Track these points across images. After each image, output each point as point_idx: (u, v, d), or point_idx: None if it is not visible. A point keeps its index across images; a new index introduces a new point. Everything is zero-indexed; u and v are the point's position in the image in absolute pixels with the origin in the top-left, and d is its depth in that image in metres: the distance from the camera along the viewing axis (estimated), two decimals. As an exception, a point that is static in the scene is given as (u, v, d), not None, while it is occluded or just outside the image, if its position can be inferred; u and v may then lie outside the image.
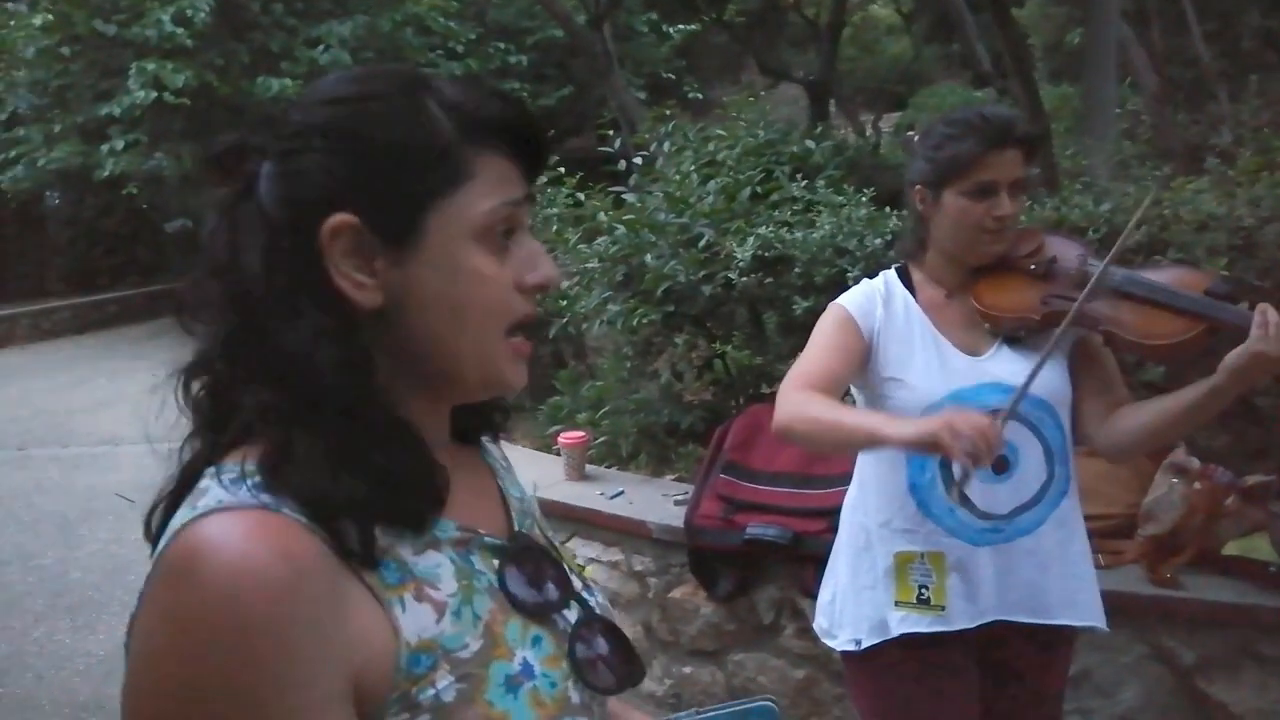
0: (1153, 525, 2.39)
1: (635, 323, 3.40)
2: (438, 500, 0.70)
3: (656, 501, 3.10)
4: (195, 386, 0.70)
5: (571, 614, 0.78)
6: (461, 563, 0.71)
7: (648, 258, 3.35)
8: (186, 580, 0.59)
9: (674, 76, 12.67)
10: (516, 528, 0.81)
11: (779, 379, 3.34)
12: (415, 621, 0.65)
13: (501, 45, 11.30)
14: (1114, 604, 2.28)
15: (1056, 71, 13.08)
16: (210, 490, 0.64)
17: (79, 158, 9.26)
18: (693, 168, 3.84)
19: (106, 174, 9.14)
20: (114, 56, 9.18)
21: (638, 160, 4.17)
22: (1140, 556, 2.39)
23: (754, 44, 9.60)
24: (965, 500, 1.40)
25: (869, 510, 1.70)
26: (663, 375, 3.78)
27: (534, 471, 3.17)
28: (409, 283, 0.68)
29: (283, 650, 0.59)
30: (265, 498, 0.63)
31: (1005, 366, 1.62)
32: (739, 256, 3.02)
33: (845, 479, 1.83)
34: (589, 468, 3.44)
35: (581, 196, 3.93)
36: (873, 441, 1.47)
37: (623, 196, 3.89)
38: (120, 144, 9.02)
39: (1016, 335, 1.65)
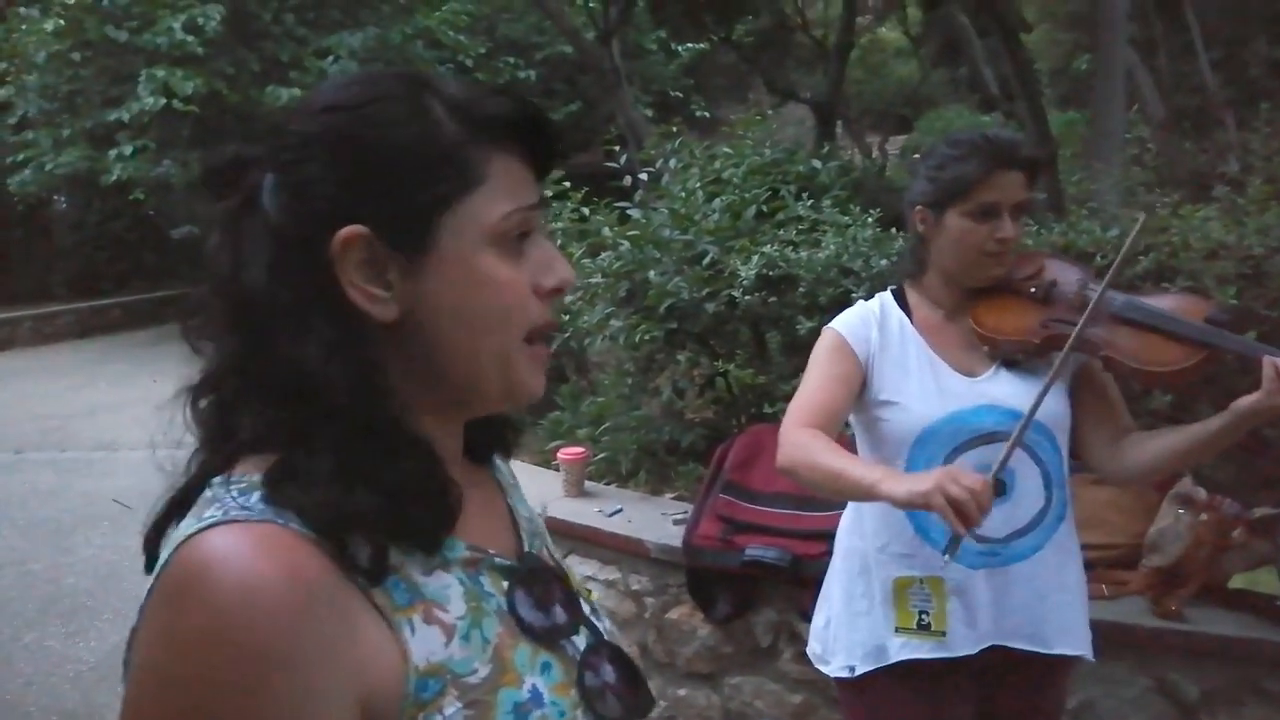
0: (1157, 556, 2.35)
1: (637, 339, 3.38)
2: (450, 518, 0.67)
3: (655, 520, 3.07)
4: (202, 402, 0.68)
5: (580, 640, 0.76)
6: (471, 584, 0.69)
7: (651, 274, 3.33)
8: (190, 597, 0.57)
9: (682, 95, 12.72)
10: (526, 548, 0.79)
11: (781, 398, 3.33)
12: (424, 645, 0.63)
13: (511, 60, 11.36)
14: (1117, 636, 2.28)
15: (1064, 97, 13.14)
16: (215, 501, 0.62)
17: (86, 163, 9.31)
18: (698, 185, 3.83)
19: (113, 179, 9.18)
20: (124, 63, 9.23)
21: (643, 176, 4.16)
22: (1144, 588, 2.35)
23: (762, 64, 9.63)
24: (955, 539, 1.39)
25: (865, 534, 1.68)
26: (664, 393, 3.75)
27: (533, 487, 3.13)
28: (424, 293, 0.66)
29: (291, 675, 0.56)
30: (270, 511, 0.61)
31: (1002, 389, 1.60)
32: (743, 275, 3.01)
33: (845, 502, 1.81)
34: (588, 484, 3.41)
35: (586, 211, 3.92)
36: (870, 496, 1.45)
37: (628, 212, 3.88)
38: (128, 150, 9.06)
39: (1014, 358, 1.63)
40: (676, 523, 2.98)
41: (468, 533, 0.70)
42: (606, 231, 3.61)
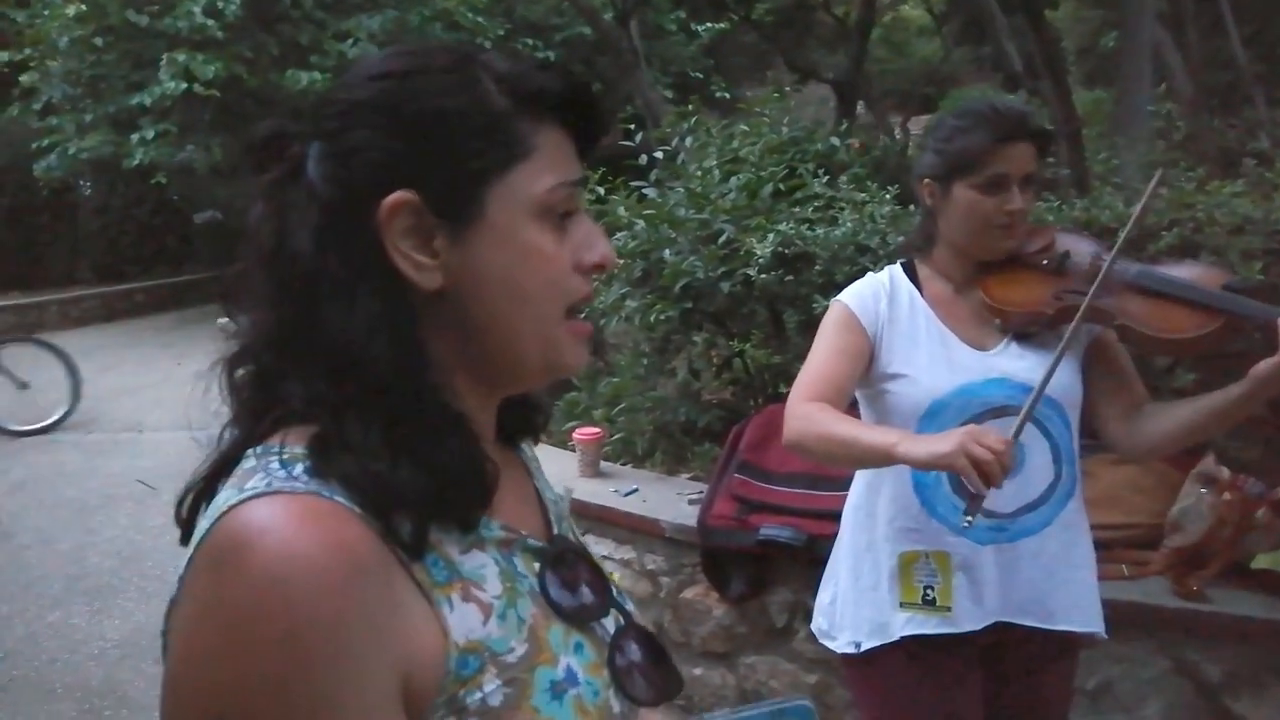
0: (1179, 536, 2.32)
1: (653, 319, 3.36)
2: (487, 496, 0.67)
3: (670, 500, 3.06)
4: (238, 374, 0.68)
5: (610, 622, 0.76)
6: (505, 564, 0.68)
7: (666, 253, 3.31)
8: (234, 568, 0.56)
9: (702, 75, 12.63)
10: (556, 531, 0.79)
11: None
12: (463, 622, 0.63)
13: (529, 41, 11.32)
14: (1138, 616, 2.25)
15: (1090, 75, 12.93)
16: (256, 473, 0.61)
17: (110, 147, 9.38)
18: (715, 164, 3.79)
19: (136, 163, 9.24)
20: (146, 47, 9.27)
21: (658, 155, 4.13)
22: (1166, 568, 2.32)
23: (782, 43, 9.54)
24: (976, 497, 1.37)
25: (872, 509, 1.67)
26: (680, 373, 3.73)
27: (549, 467, 3.12)
28: (469, 262, 0.66)
29: (338, 648, 0.55)
30: (315, 483, 0.60)
31: (1014, 362, 1.58)
32: (759, 253, 2.98)
33: (857, 481, 1.79)
34: (604, 464, 3.41)
35: (602, 191, 3.89)
36: (888, 459, 1.43)
37: (644, 192, 3.85)
38: (150, 134, 9.12)
39: (1027, 331, 1.61)
40: (691, 503, 2.97)
41: (500, 513, 0.70)
42: (622, 211, 3.59)
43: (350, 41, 9.41)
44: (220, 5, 8.87)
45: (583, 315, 0.73)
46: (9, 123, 10.72)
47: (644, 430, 3.64)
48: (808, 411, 1.54)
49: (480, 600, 0.64)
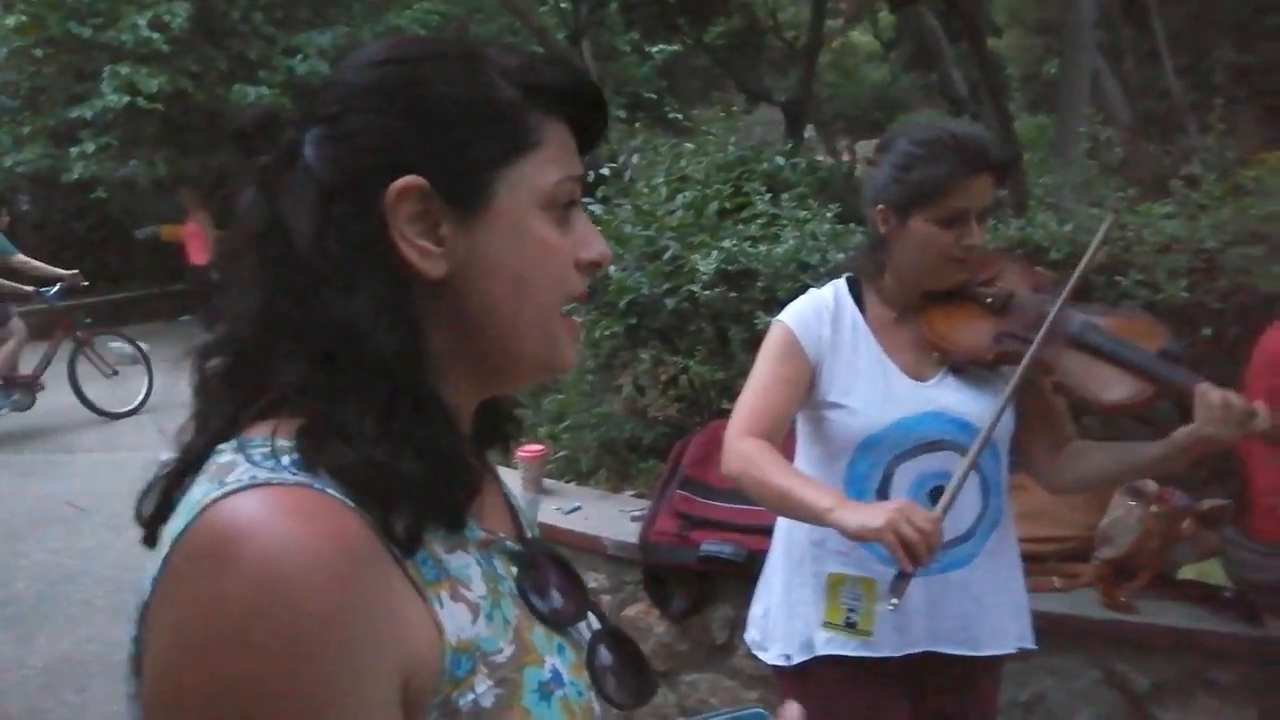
0: (1109, 548, 2.36)
1: (598, 335, 3.36)
2: (473, 495, 0.66)
3: (613, 518, 3.04)
4: (211, 364, 0.65)
5: (587, 625, 0.76)
6: (486, 566, 0.67)
7: (612, 270, 3.31)
8: (225, 564, 0.53)
9: (655, 96, 12.72)
10: (529, 535, 0.79)
11: (742, 395, 3.32)
12: (454, 621, 0.60)
13: (482, 61, 11.31)
14: (1069, 628, 2.28)
15: (1034, 102, 13.28)
16: (238, 465, 0.58)
17: (48, 160, 9.17)
18: (662, 181, 3.82)
19: (75, 177, 9.06)
20: (88, 60, 9.12)
21: (604, 171, 4.14)
22: (1096, 580, 2.36)
23: (734, 66, 9.65)
24: (903, 575, 1.38)
25: (805, 527, 1.66)
26: (625, 390, 3.73)
27: (489, 484, 3.11)
28: (475, 251, 0.65)
29: (341, 645, 0.53)
30: (303, 475, 0.57)
31: (950, 395, 1.58)
32: (703, 270, 2.99)
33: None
34: (547, 482, 3.38)
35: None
36: (819, 522, 1.43)
37: (591, 209, 3.86)
38: (90, 147, 8.94)
39: (964, 367, 1.61)
40: (634, 520, 2.96)
41: (478, 515, 0.69)
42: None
43: (299, 57, 9.34)
44: (166, 18, 8.75)
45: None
46: (-56, 135, 10.45)
47: (588, 447, 3.63)
48: (749, 453, 1.52)
49: (468, 600, 0.63)
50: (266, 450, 0.59)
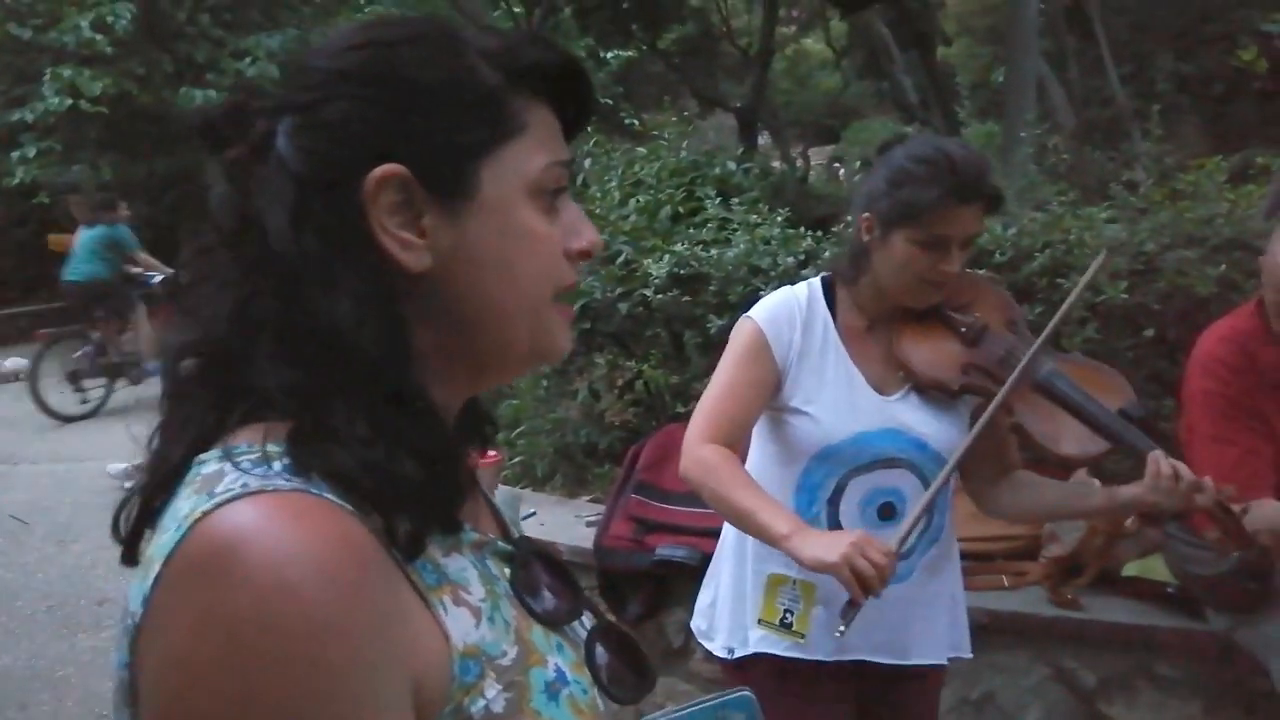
0: (1055, 546, 2.40)
1: (551, 340, 3.35)
2: (465, 496, 0.63)
3: (569, 523, 3.03)
4: (184, 366, 0.62)
5: (583, 622, 0.74)
6: (481, 568, 0.64)
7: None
8: (226, 577, 0.50)
9: (611, 102, 12.72)
10: (515, 534, 0.77)
11: (696, 398, 3.32)
12: (458, 626, 0.58)
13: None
14: (1017, 626, 2.31)
15: (983, 109, 13.51)
16: (226, 474, 0.55)
17: (-12, 165, 8.93)
18: (615, 185, 3.82)
19: (16, 182, 8.82)
20: (29, 62, 8.89)
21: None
22: (1043, 578, 2.39)
23: (689, 72, 9.69)
24: (853, 604, 1.40)
25: None
26: (580, 394, 3.72)
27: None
28: (460, 243, 0.62)
29: (356, 656, 0.50)
30: (297, 480, 0.54)
31: (911, 414, 1.58)
32: (654, 273, 3.00)
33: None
34: (502, 488, 3.35)
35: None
36: (774, 545, 1.44)
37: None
38: (31, 151, 8.71)
39: (926, 390, 1.61)
40: (589, 525, 2.95)
41: (468, 517, 0.67)
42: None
43: (248, 60, 9.18)
44: (110, 20, 8.56)
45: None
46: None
47: (544, 453, 3.61)
48: (710, 462, 1.51)
49: (469, 604, 0.60)
50: (255, 456, 0.56)
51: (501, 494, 3.17)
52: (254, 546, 0.51)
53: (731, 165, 4.16)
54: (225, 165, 0.62)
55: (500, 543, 0.69)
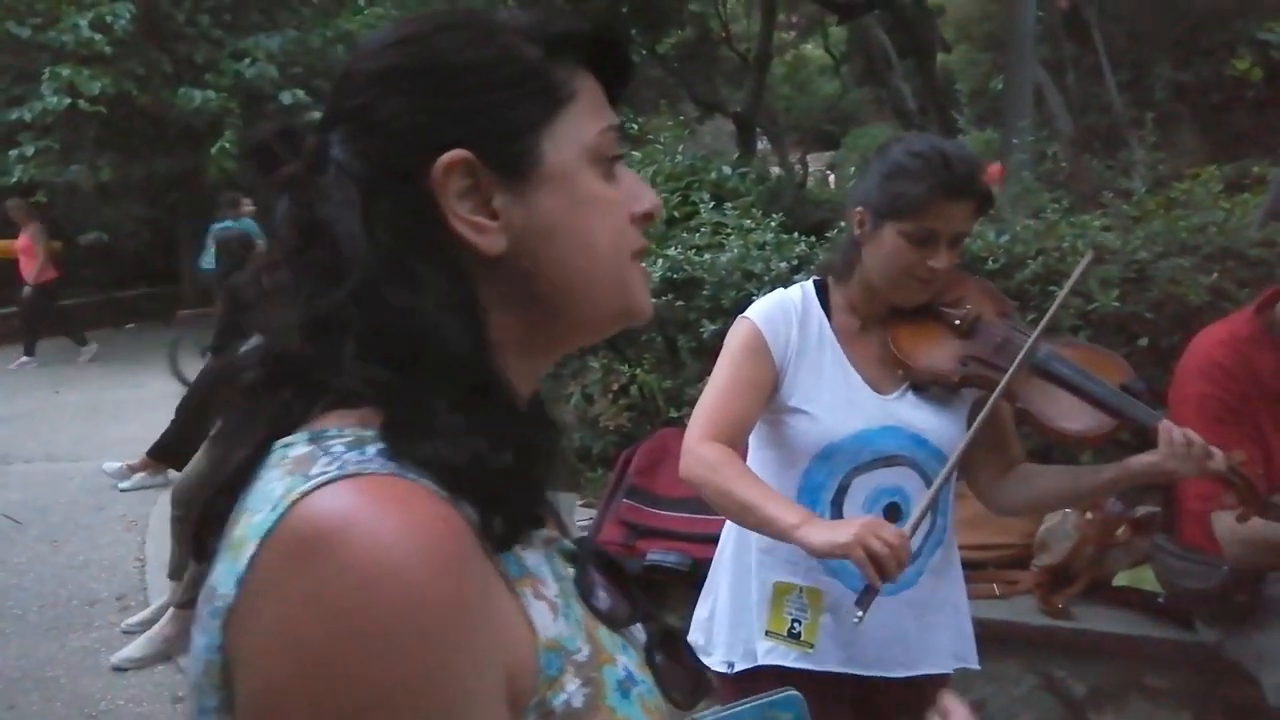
0: (1047, 555, 2.40)
1: (545, 344, 3.34)
2: (546, 490, 0.64)
3: (560, 527, 3.02)
4: (246, 377, 0.62)
5: (642, 624, 0.73)
6: (551, 564, 0.64)
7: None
8: (330, 558, 0.49)
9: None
10: (574, 533, 0.75)
11: (691, 403, 3.31)
12: (541, 618, 0.58)
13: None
14: (1007, 634, 2.30)
15: (982, 116, 13.53)
16: (317, 458, 0.54)
17: (-15, 164, 8.93)
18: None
19: (14, 181, 8.81)
20: (28, 61, 8.89)
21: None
22: (1034, 586, 2.39)
23: (687, 76, 9.70)
24: (870, 590, 1.37)
25: (754, 534, 1.65)
26: (574, 398, 3.71)
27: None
28: (532, 218, 0.62)
29: (459, 637, 0.50)
30: (394, 466, 0.54)
31: (910, 411, 1.57)
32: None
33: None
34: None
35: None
36: (784, 538, 1.41)
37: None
38: (30, 150, 8.71)
39: (926, 385, 1.60)
40: (580, 528, 2.94)
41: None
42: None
43: (247, 61, 9.19)
44: (109, 20, 8.57)
45: None
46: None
47: (537, 456, 3.60)
48: (711, 459, 1.48)
49: (547, 598, 0.60)
50: (349, 440, 0.56)
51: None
52: (359, 529, 0.50)
53: (727, 170, 4.15)
54: (281, 183, 0.63)
55: (566, 541, 0.69)
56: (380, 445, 0.55)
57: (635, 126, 12.13)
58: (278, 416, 0.60)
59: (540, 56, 0.63)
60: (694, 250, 3.13)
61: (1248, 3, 9.80)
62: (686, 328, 3.20)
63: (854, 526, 1.32)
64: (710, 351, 3.04)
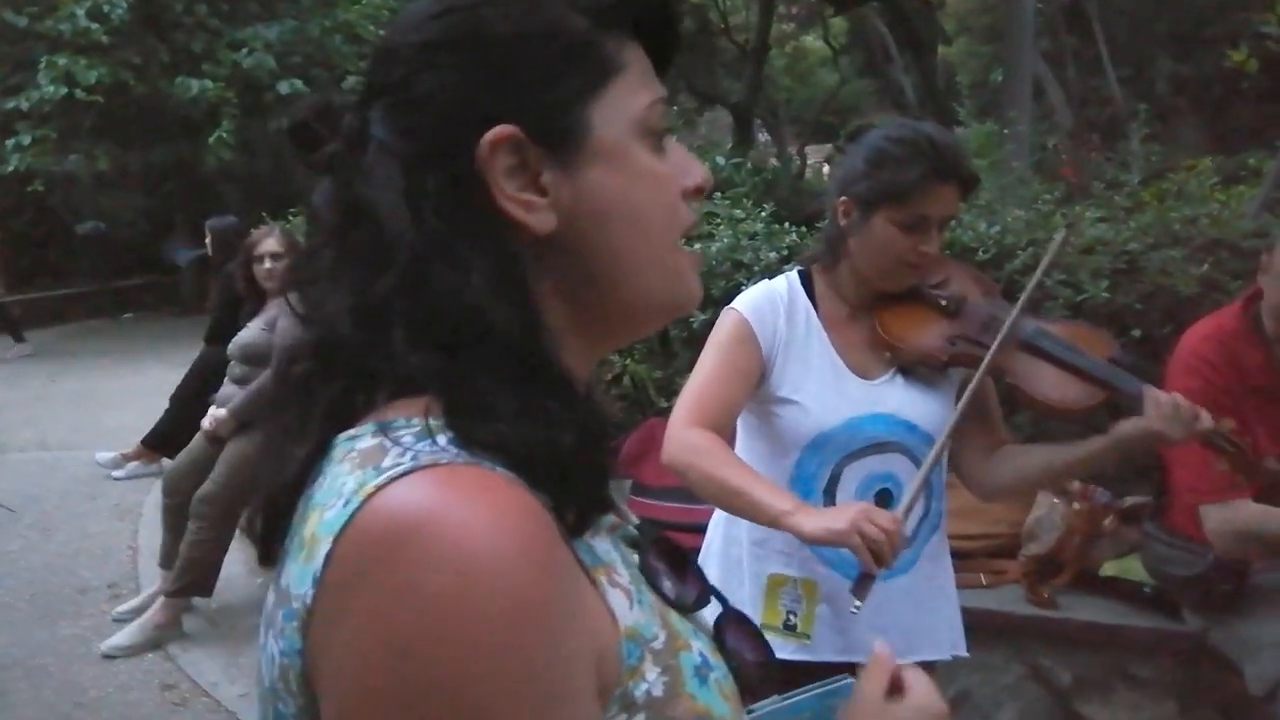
0: (1034, 545, 2.39)
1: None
2: (610, 474, 0.61)
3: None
4: (297, 369, 0.60)
5: (710, 608, 0.71)
6: (619, 550, 0.62)
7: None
8: (418, 553, 0.47)
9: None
10: (633, 518, 0.72)
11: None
12: (618, 606, 0.56)
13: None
14: (994, 624, 2.30)
15: (983, 109, 13.50)
16: (388, 450, 0.52)
17: (-18, 152, 8.93)
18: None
19: (11, 169, 8.81)
20: (25, 50, 8.88)
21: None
22: (1021, 576, 2.39)
23: (686, 67, 9.67)
24: (866, 576, 1.36)
25: (746, 525, 1.63)
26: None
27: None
28: (584, 194, 0.59)
29: (554, 630, 0.49)
30: (465, 454, 0.52)
31: (899, 396, 1.56)
32: (638, 267, 2.99)
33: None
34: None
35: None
36: (775, 525, 1.39)
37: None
38: (27, 139, 8.70)
39: (914, 367, 1.60)
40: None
41: None
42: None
43: (245, 51, 9.17)
44: (106, 9, 8.55)
45: None
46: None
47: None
48: (697, 444, 1.47)
49: (622, 585, 0.58)
50: (417, 430, 0.53)
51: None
52: (443, 522, 0.48)
53: (720, 160, 4.14)
54: (322, 162, 0.61)
55: (629, 527, 0.67)
56: (450, 434, 0.53)
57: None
58: (336, 409, 0.58)
59: (588, 27, 0.60)
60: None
61: (1249, -5, 9.77)
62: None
63: (849, 512, 1.31)
64: (701, 341, 3.02)
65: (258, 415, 3.39)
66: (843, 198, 1.55)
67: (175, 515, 3.56)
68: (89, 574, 4.13)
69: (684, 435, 1.49)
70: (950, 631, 1.65)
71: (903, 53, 9.79)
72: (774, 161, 8.21)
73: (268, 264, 3.49)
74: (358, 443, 0.55)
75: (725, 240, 3.03)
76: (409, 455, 0.52)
